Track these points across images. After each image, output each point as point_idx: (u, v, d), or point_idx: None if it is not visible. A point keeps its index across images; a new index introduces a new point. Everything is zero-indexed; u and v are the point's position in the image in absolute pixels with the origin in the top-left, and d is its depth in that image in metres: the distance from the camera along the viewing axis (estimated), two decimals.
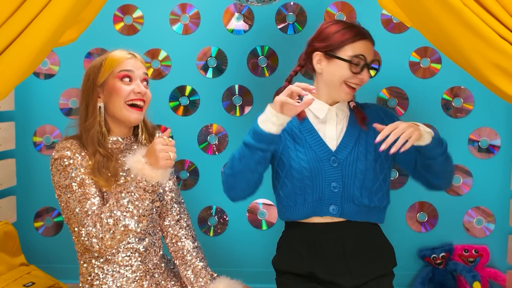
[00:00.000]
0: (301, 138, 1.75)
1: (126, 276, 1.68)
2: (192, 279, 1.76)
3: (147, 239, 1.72)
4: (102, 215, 1.55)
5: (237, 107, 2.48)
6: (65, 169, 1.60)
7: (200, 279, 1.76)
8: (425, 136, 1.60)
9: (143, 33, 2.47)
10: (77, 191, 1.58)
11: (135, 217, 1.55)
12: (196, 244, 1.82)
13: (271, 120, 1.58)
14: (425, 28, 1.62)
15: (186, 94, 2.49)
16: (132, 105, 1.68)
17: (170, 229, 1.81)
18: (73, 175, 1.59)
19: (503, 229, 2.41)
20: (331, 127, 1.75)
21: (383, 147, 1.54)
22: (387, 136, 1.55)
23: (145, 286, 1.70)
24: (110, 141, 1.71)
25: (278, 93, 2.45)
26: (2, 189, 2.41)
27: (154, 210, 1.75)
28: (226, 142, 2.49)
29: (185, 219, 1.83)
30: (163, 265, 1.80)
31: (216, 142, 2.49)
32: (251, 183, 1.70)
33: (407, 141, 1.54)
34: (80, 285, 1.71)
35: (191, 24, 2.47)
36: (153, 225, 1.76)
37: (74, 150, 1.62)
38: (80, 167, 1.61)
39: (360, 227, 1.75)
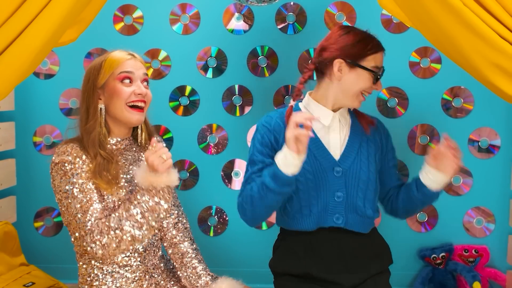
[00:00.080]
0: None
1: (126, 276, 1.68)
2: (192, 281, 1.76)
3: (146, 240, 1.72)
4: (110, 224, 1.54)
5: (237, 107, 2.48)
6: (65, 174, 1.59)
7: (200, 280, 1.75)
8: (443, 183, 1.72)
9: (143, 33, 2.47)
10: (78, 196, 1.57)
11: (144, 228, 1.55)
12: (194, 246, 1.82)
13: (293, 164, 1.55)
14: (425, 28, 1.62)
15: (186, 94, 2.49)
16: (133, 107, 1.67)
17: (168, 231, 1.81)
18: (74, 180, 1.58)
19: (503, 229, 2.41)
20: (335, 135, 1.75)
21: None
22: None
23: (145, 286, 1.70)
24: (110, 142, 1.71)
25: (278, 93, 2.47)
26: (2, 189, 2.41)
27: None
28: (226, 142, 2.49)
29: (183, 222, 1.83)
30: (162, 265, 1.80)
31: (216, 142, 2.49)
32: (271, 212, 1.73)
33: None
34: (80, 286, 1.70)
35: (191, 24, 2.47)
36: None
37: (75, 155, 1.60)
38: (81, 172, 1.59)
39: None
